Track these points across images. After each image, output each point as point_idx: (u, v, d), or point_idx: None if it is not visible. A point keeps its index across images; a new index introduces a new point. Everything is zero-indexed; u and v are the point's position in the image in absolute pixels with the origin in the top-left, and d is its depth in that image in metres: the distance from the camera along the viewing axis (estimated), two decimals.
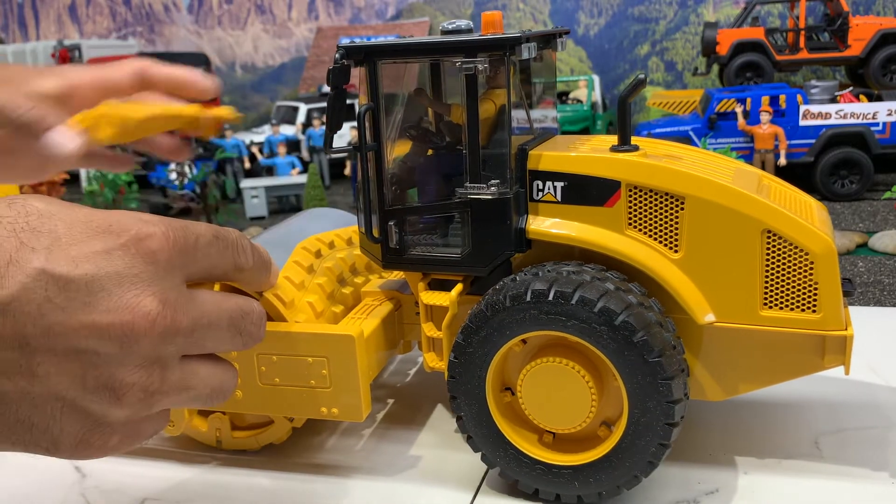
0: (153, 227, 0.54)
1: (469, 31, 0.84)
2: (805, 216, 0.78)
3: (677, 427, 0.75)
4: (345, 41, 0.85)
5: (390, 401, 1.09)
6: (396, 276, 1.00)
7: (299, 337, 0.84)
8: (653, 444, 0.76)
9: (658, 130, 5.61)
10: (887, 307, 1.37)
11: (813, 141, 5.42)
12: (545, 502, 0.82)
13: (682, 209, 0.78)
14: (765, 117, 5.35)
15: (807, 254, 0.75)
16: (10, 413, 0.49)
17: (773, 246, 0.76)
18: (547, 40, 0.91)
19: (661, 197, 0.78)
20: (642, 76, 0.80)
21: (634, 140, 0.84)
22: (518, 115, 0.89)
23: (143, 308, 0.51)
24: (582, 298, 0.75)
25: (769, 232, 0.76)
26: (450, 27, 0.86)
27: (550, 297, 0.76)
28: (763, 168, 5.34)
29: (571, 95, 6.60)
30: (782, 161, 5.36)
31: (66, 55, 6.77)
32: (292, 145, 6.01)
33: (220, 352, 0.60)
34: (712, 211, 0.77)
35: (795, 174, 5.37)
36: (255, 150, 5.99)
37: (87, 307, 0.49)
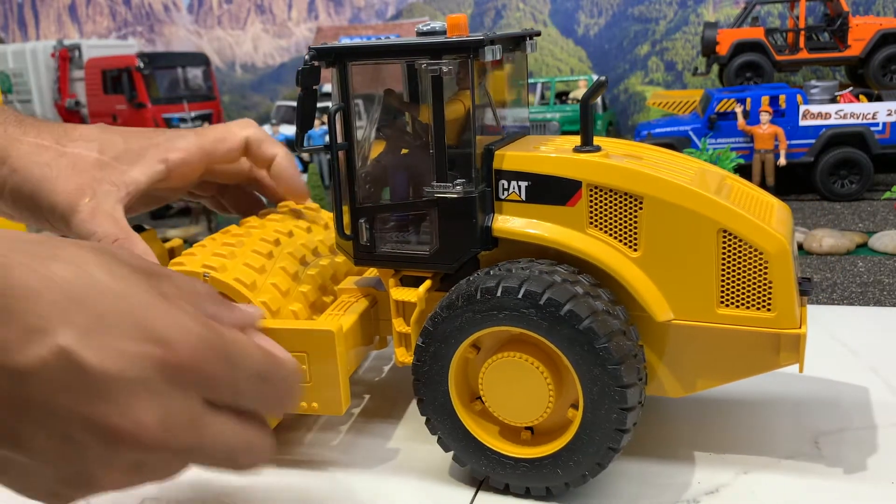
0: (192, 351, 0.54)
1: (444, 33, 0.86)
2: (763, 216, 0.80)
3: (631, 388, 0.76)
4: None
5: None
6: (373, 273, 1.02)
7: (279, 333, 0.85)
8: (614, 411, 0.77)
9: (658, 130, 5.61)
10: (887, 307, 1.38)
11: (813, 141, 5.41)
12: (538, 499, 0.83)
13: (641, 209, 0.79)
14: (765, 117, 5.35)
15: (761, 253, 0.77)
16: None
17: (729, 245, 0.77)
18: (516, 42, 0.92)
19: (621, 196, 0.80)
20: (603, 78, 0.82)
21: (598, 140, 0.86)
22: (485, 116, 0.91)
23: (142, 422, 0.52)
24: (505, 289, 0.77)
25: (725, 231, 0.77)
26: (424, 29, 0.88)
27: (478, 296, 0.78)
28: (763, 168, 5.34)
29: (571, 95, 6.60)
30: (782, 161, 5.36)
31: (66, 54, 6.80)
32: (292, 145, 6.03)
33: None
34: (669, 211, 0.78)
35: (795, 174, 5.37)
36: None
37: (93, 402, 0.50)
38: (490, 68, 0.92)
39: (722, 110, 5.52)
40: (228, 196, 1.14)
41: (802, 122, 5.41)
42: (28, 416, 0.50)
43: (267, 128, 6.43)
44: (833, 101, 5.54)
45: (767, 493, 0.82)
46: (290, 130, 6.21)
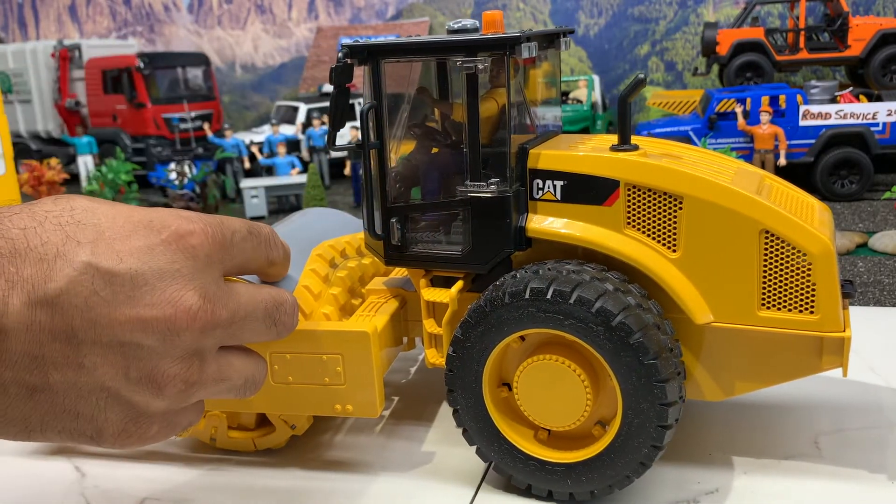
0: (192, 224, 0.55)
1: (475, 30, 0.85)
2: (805, 217, 0.79)
3: (671, 430, 0.76)
4: (345, 41, 0.86)
5: (395, 398, 1.09)
6: (400, 273, 1.01)
7: (313, 334, 0.84)
8: (645, 446, 0.76)
9: (658, 130, 5.60)
10: (887, 307, 1.37)
11: (813, 141, 5.42)
12: (538, 498, 0.83)
13: (681, 209, 0.78)
14: (765, 117, 5.35)
15: (804, 255, 0.75)
16: (57, 402, 0.51)
17: (771, 246, 0.76)
18: (550, 40, 0.91)
19: (660, 196, 0.79)
20: (642, 76, 0.80)
21: (635, 139, 0.85)
22: (519, 114, 0.90)
23: (185, 303, 0.53)
24: (580, 298, 0.76)
25: (767, 232, 0.76)
26: (455, 26, 0.87)
27: (549, 296, 0.77)
28: (763, 168, 5.35)
29: (571, 95, 6.60)
30: (782, 161, 5.36)
31: (66, 54, 6.77)
32: (292, 145, 6.01)
33: (256, 342, 0.61)
34: (710, 211, 0.77)
35: (795, 174, 5.37)
36: (254, 149, 6.00)
37: (131, 301, 0.51)
38: (525, 66, 0.90)
39: (722, 110, 5.52)
40: None
41: (802, 122, 5.42)
42: (78, 337, 0.50)
43: (267, 128, 6.41)
44: (833, 101, 5.55)
45: (767, 493, 0.82)
46: (290, 130, 6.19)
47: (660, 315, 0.78)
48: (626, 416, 0.76)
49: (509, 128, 0.82)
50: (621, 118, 0.82)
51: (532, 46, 0.80)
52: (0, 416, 0.50)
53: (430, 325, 0.89)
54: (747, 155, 5.41)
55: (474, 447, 0.85)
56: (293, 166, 5.62)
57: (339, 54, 0.83)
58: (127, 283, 0.51)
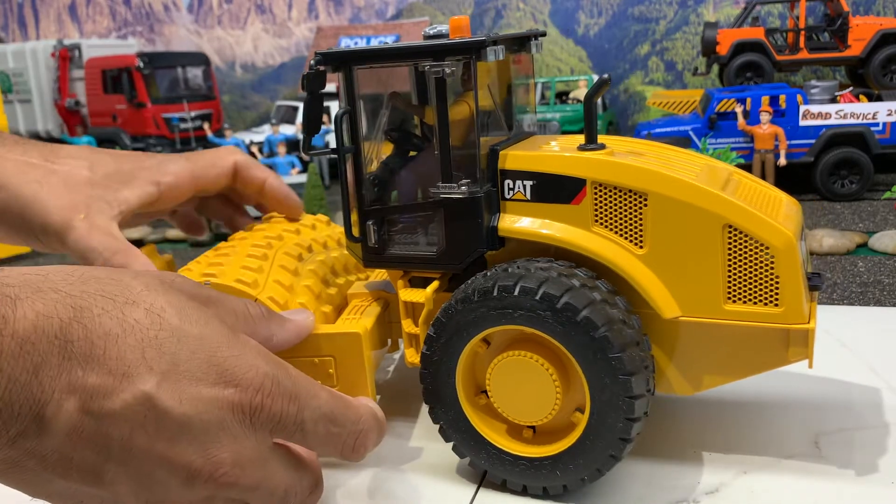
0: (262, 391, 0.58)
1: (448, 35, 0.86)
2: (770, 212, 0.80)
3: (639, 399, 0.76)
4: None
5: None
6: (381, 276, 1.02)
7: (305, 339, 0.85)
8: (619, 420, 0.77)
9: (658, 130, 5.61)
10: (887, 307, 1.36)
11: (813, 141, 5.41)
12: (536, 498, 0.84)
13: (646, 205, 0.79)
14: (765, 117, 5.35)
15: (767, 248, 0.77)
16: (66, 492, 0.54)
17: (734, 240, 0.77)
18: (521, 43, 0.93)
19: (625, 194, 0.80)
20: (607, 76, 0.82)
21: (602, 139, 0.86)
22: (491, 116, 0.92)
23: (216, 460, 0.55)
24: (523, 288, 0.77)
25: (730, 227, 0.77)
26: (431, 32, 0.88)
27: (495, 293, 0.78)
28: (763, 168, 5.35)
29: (571, 95, 6.61)
30: (782, 161, 5.36)
31: (66, 54, 6.80)
32: (292, 145, 6.04)
33: None
34: (674, 207, 0.78)
35: (795, 174, 5.37)
36: (254, 149, 6.03)
37: (171, 442, 0.54)
38: (498, 68, 0.92)
39: (722, 110, 5.53)
40: (210, 206, 1.13)
41: (802, 122, 5.42)
42: (110, 455, 0.53)
43: (266, 127, 6.44)
44: (833, 101, 5.54)
45: (767, 493, 0.82)
46: (290, 130, 6.21)
47: (610, 292, 0.79)
48: (593, 396, 0.77)
49: (478, 130, 0.83)
50: (587, 118, 0.83)
51: (499, 50, 0.82)
52: (8, 480, 0.53)
53: (408, 325, 0.90)
54: (747, 155, 5.41)
55: (467, 459, 0.86)
56: (293, 166, 5.65)
57: (311, 61, 0.84)
58: (175, 425, 0.53)
